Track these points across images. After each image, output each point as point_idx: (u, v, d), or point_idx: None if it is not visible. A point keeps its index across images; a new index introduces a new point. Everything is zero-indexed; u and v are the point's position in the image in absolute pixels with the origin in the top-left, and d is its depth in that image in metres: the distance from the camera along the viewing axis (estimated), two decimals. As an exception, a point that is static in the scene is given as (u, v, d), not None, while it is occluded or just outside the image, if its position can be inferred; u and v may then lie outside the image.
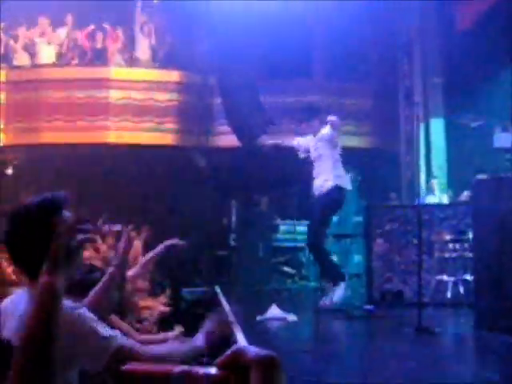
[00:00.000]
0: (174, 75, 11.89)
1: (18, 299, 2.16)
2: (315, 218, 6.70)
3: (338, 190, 6.54)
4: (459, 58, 10.18)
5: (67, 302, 2.11)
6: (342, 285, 6.26)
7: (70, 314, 2.06)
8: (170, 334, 3.92)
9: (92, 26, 12.05)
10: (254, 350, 1.96)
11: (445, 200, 9.30)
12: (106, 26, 12.06)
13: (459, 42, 10.25)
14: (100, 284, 2.88)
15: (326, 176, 6.57)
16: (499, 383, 3.69)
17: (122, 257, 3.06)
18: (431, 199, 9.34)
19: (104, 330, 2.14)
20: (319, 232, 6.68)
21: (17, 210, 2.20)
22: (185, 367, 2.06)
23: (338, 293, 6.22)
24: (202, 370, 2.02)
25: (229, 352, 1.96)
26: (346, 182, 6.69)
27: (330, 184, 6.50)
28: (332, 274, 6.50)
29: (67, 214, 2.17)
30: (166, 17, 12.24)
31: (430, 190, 9.74)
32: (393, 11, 10.81)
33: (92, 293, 2.85)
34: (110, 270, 2.98)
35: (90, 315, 2.15)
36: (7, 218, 2.20)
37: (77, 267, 2.27)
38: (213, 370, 1.97)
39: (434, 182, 9.82)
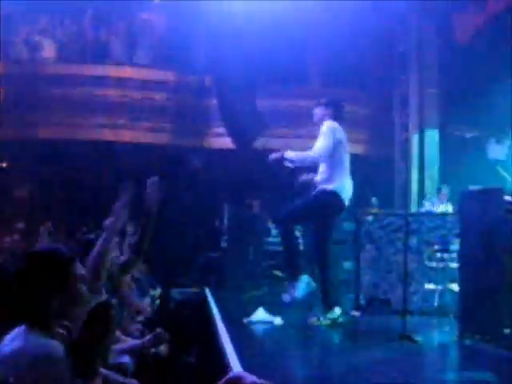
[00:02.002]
0: (171, 75, 11.93)
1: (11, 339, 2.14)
2: (299, 205, 6.41)
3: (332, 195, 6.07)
4: (456, 69, 10.26)
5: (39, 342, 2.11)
6: (303, 278, 5.94)
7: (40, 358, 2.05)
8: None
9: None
10: (251, 379, 1.97)
11: (450, 210, 9.09)
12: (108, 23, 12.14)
13: (456, 54, 10.34)
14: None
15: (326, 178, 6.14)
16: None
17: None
18: (440, 208, 9.23)
19: None
20: (296, 217, 6.31)
21: (33, 254, 2.25)
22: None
23: (301, 287, 5.93)
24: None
25: (225, 379, 1.96)
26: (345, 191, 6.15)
27: (328, 188, 6.06)
28: (290, 265, 6.16)
29: (78, 268, 2.24)
30: (166, 17, 12.29)
31: (439, 198, 9.51)
32: (391, 21, 10.87)
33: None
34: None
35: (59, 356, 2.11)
36: (22, 257, 2.23)
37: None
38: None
39: (445, 192, 9.58)
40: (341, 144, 6.12)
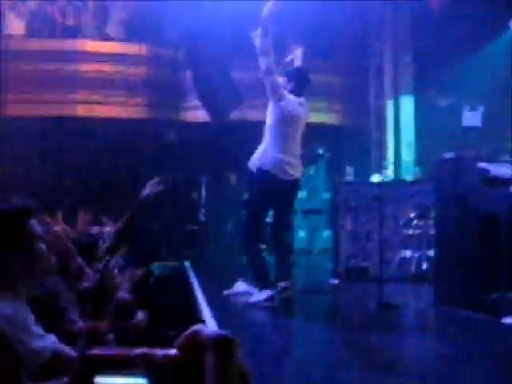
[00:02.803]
0: (144, 49, 11.77)
1: None
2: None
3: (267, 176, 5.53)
4: (430, 36, 10.25)
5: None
6: (266, 292, 5.49)
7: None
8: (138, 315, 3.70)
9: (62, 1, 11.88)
10: (209, 331, 1.99)
11: None
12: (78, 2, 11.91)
13: (430, 21, 10.31)
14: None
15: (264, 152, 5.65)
16: (457, 357, 3.79)
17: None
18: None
19: (36, 340, 2.01)
20: (249, 224, 5.81)
21: None
22: (144, 349, 2.07)
23: (258, 297, 5.54)
24: (161, 352, 2.04)
25: (186, 333, 1.98)
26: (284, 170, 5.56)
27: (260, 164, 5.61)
28: (258, 278, 5.69)
29: (34, 223, 2.18)
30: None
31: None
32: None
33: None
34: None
35: (22, 322, 2.01)
36: None
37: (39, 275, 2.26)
38: (172, 352, 2.00)
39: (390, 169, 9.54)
40: (292, 119, 5.66)
